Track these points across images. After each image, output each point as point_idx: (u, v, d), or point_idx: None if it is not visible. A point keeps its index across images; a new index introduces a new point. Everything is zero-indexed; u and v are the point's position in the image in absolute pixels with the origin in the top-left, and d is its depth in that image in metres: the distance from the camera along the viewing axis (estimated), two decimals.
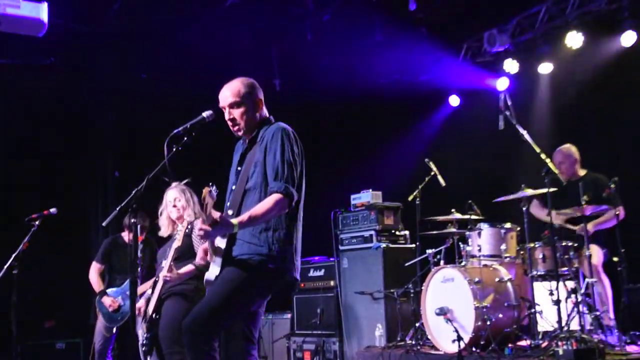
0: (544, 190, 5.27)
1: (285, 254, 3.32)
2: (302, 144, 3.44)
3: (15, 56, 6.83)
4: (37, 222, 5.61)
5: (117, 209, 3.27)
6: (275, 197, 3.24)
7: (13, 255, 5.44)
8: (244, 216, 3.21)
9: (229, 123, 3.48)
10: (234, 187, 3.48)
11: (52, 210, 5.67)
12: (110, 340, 6.12)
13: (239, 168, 3.52)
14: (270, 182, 3.30)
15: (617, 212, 5.51)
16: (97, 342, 6.16)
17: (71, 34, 7.24)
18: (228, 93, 3.45)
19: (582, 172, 6.10)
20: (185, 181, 4.80)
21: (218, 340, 3.29)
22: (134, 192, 3.23)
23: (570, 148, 6.12)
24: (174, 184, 4.71)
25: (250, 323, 3.42)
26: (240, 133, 3.50)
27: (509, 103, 5.30)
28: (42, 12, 4.40)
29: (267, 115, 3.56)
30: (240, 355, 3.39)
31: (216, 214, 3.16)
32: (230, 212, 3.38)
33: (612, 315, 5.46)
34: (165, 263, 4.29)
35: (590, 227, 5.71)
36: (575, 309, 5.13)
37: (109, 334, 6.10)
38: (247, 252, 3.29)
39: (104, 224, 3.47)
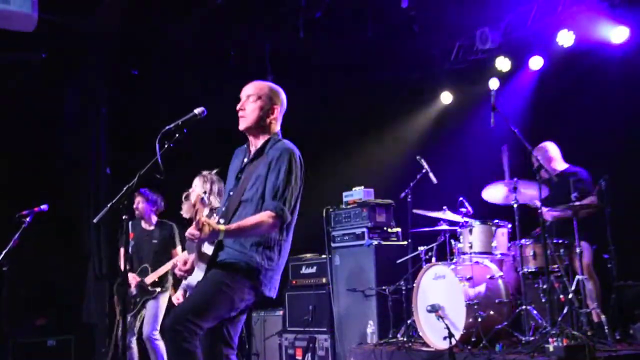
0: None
1: (269, 272, 3.34)
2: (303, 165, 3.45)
3: (6, 51, 6.78)
4: (27, 219, 5.59)
5: (109, 205, 3.27)
6: (268, 214, 3.26)
7: (3, 252, 5.42)
8: (233, 225, 3.23)
9: (239, 113, 3.49)
10: (231, 193, 3.49)
11: (43, 206, 5.65)
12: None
13: (239, 175, 3.52)
14: (268, 199, 3.31)
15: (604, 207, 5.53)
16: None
17: (62, 29, 7.20)
18: (252, 86, 3.52)
19: (564, 166, 6.13)
20: (215, 170, 4.95)
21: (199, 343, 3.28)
22: (125, 189, 3.23)
23: (547, 145, 6.16)
24: (203, 172, 4.81)
25: (230, 327, 3.42)
26: (242, 126, 3.48)
27: (501, 100, 5.30)
28: (32, 7, 4.37)
29: (277, 131, 3.56)
30: (218, 358, 3.37)
31: (204, 219, 3.16)
32: (222, 220, 3.37)
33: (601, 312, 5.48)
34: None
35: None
36: (566, 306, 5.16)
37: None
38: (235, 258, 3.31)
39: (94, 220, 3.45)
